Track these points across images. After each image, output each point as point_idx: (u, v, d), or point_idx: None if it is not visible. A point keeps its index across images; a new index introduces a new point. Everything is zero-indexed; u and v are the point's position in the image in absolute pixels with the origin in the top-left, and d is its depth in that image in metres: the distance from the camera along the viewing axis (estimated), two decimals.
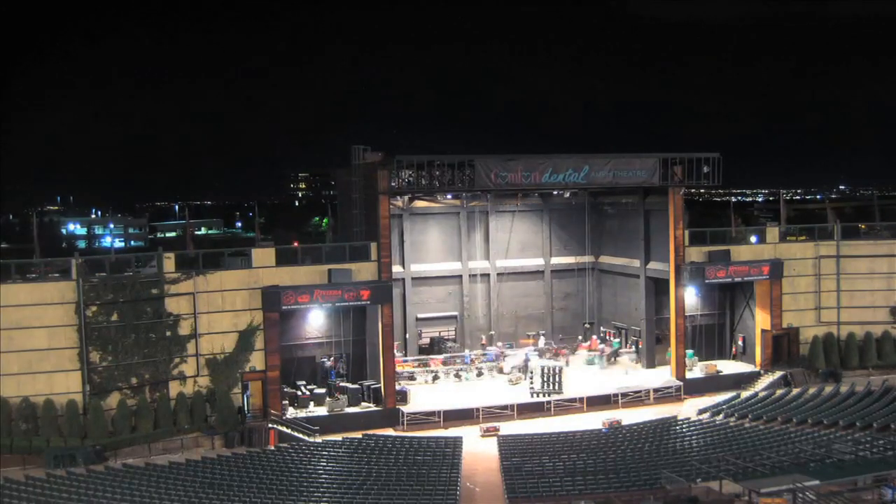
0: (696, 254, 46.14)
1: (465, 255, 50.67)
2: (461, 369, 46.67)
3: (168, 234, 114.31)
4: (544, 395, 42.22)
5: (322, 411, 40.16)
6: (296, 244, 48.07)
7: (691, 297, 48.40)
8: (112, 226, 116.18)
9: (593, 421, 40.08)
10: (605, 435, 37.07)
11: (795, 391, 43.60)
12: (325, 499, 28.29)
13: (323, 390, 41.46)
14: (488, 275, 51.35)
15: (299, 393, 41.20)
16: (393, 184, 41.36)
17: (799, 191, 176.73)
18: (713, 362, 48.32)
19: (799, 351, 47.63)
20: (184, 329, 38.55)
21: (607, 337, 52.96)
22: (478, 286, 51.23)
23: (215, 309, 38.98)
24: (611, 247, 52.75)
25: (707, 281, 46.15)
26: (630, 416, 40.58)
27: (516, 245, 52.32)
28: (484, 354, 48.61)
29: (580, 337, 52.52)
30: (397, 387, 41.77)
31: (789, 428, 36.89)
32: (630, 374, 47.20)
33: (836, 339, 47.56)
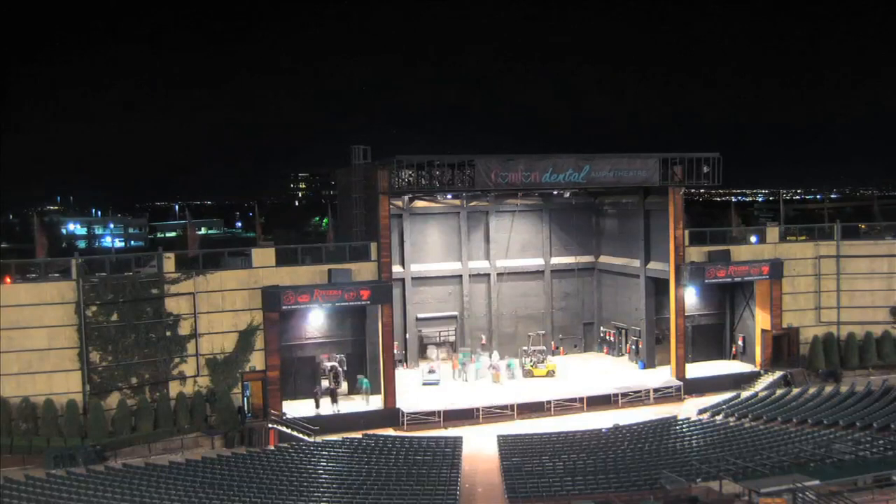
0: (696, 254, 46.14)
1: (465, 255, 50.67)
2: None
3: (168, 234, 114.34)
4: None
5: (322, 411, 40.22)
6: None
7: (691, 297, 48.43)
8: (112, 226, 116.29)
9: (593, 421, 40.08)
10: (605, 435, 37.05)
11: (795, 391, 43.60)
12: (325, 499, 28.29)
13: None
14: (488, 275, 51.35)
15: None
16: (393, 184, 41.37)
17: (799, 191, 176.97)
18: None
19: (799, 351, 47.62)
20: (184, 329, 38.54)
21: (607, 337, 52.95)
22: (478, 286, 51.22)
23: (215, 309, 38.97)
24: (611, 247, 52.75)
25: (707, 281, 46.15)
26: (630, 416, 40.60)
27: (516, 245, 52.31)
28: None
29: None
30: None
31: (789, 428, 36.89)
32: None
33: (836, 339, 47.56)
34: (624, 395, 43.21)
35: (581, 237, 53.58)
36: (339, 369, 42.87)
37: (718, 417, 40.12)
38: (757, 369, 47.29)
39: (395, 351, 44.08)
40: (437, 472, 31.14)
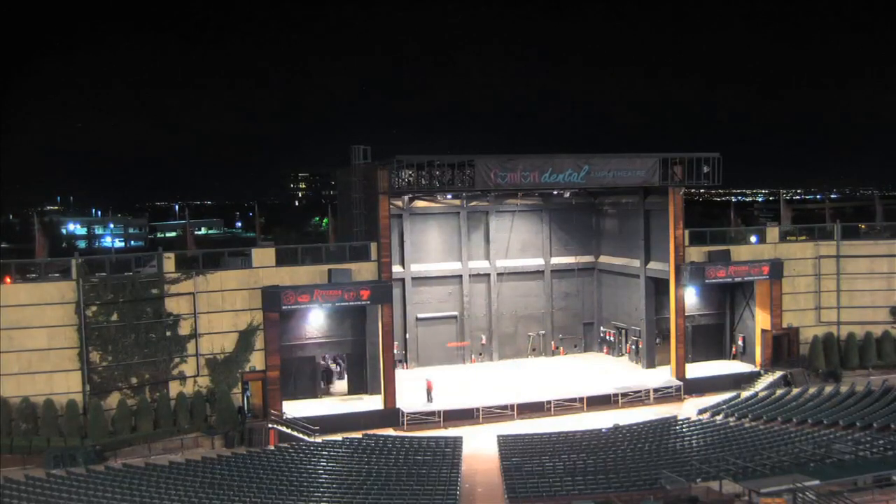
0: (696, 254, 46.14)
1: (465, 255, 50.68)
2: None
3: (168, 234, 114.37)
4: None
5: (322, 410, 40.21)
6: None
7: (691, 297, 48.44)
8: (112, 226, 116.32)
9: (593, 421, 40.09)
10: (605, 435, 37.06)
11: (795, 391, 43.61)
12: (325, 499, 28.29)
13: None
14: (488, 275, 51.36)
15: None
16: (393, 184, 41.37)
17: (799, 191, 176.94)
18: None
19: (799, 351, 47.65)
20: (184, 329, 38.55)
21: (607, 337, 52.95)
22: (478, 286, 51.24)
23: (215, 309, 38.98)
24: (611, 247, 52.76)
25: (707, 281, 46.14)
26: (630, 416, 40.60)
27: (516, 245, 52.33)
28: None
29: None
30: None
31: (789, 428, 36.90)
32: None
33: (836, 339, 47.58)
34: (624, 395, 43.21)
35: (581, 237, 53.60)
36: (332, 369, 42.93)
37: (718, 417, 40.12)
38: (757, 369, 47.29)
39: (395, 351, 44.08)
40: (437, 472, 31.15)
